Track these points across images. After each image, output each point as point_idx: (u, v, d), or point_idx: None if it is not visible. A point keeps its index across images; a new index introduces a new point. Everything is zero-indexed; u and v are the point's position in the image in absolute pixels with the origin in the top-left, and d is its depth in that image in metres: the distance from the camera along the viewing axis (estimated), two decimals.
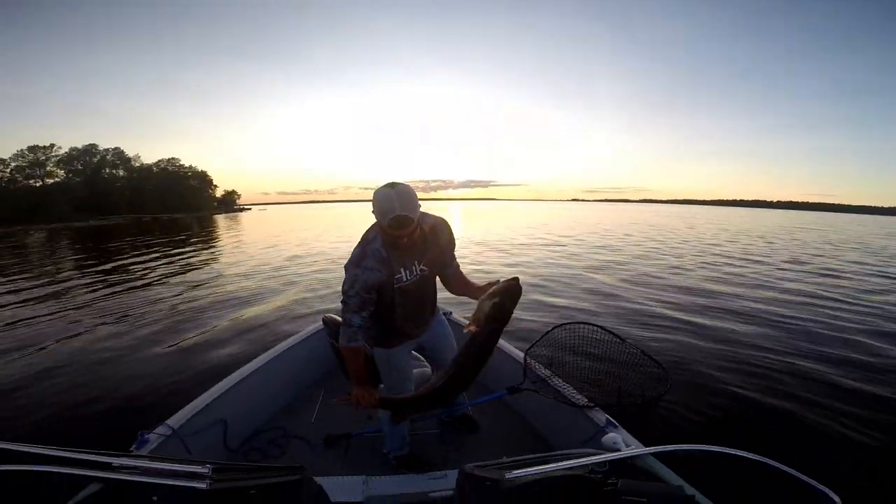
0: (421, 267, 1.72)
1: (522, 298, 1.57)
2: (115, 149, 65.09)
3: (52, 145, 58.31)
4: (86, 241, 22.63)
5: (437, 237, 1.75)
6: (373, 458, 2.29)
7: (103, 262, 13.72)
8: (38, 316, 6.88)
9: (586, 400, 2.19)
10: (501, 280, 1.56)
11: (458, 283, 1.87)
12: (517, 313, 1.62)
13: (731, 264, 12.32)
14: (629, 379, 2.18)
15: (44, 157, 56.55)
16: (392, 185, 1.48)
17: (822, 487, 1.03)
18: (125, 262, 13.63)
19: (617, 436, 1.77)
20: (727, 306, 7.27)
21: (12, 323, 6.48)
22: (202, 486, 0.88)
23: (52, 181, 55.97)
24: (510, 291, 1.50)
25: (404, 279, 1.67)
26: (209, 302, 7.70)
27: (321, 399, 2.95)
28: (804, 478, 1.06)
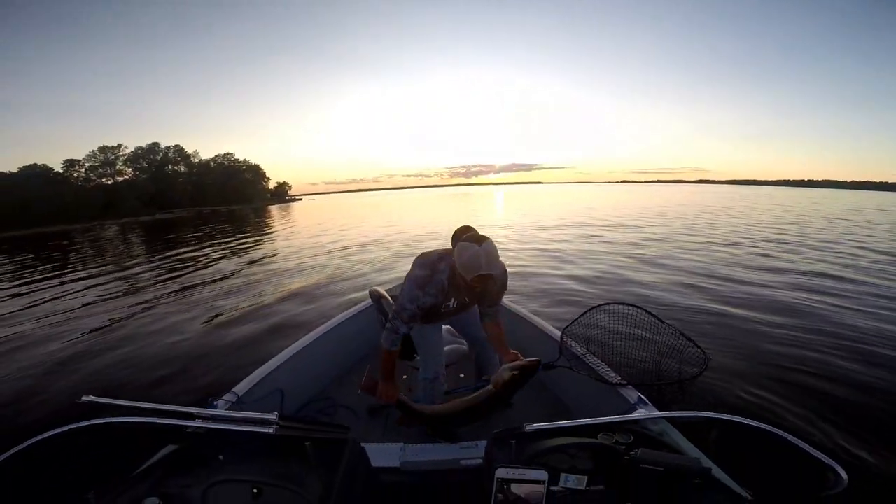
0: (467, 300, 1.92)
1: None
2: (176, 146, 69.35)
3: (120, 145, 62.84)
4: (155, 232, 24.86)
5: (494, 282, 1.83)
6: (410, 428, 2.39)
7: (175, 250, 15.22)
8: (122, 296, 7.81)
9: (619, 378, 2.19)
10: (522, 358, 1.82)
11: (491, 326, 2.02)
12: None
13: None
14: (666, 360, 2.18)
15: (113, 157, 61.16)
16: (479, 241, 1.59)
17: (831, 463, 1.03)
18: (194, 251, 14.84)
19: (645, 412, 1.78)
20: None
21: (103, 302, 7.44)
22: (270, 430, 1.00)
23: (121, 179, 60.53)
24: (527, 370, 1.76)
25: (451, 306, 1.91)
26: (267, 284, 8.39)
27: (367, 372, 3.13)
28: (814, 452, 1.06)
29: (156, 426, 1.15)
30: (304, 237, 17.43)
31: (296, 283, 8.22)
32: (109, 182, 58.82)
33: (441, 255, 1.81)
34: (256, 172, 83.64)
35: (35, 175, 46.20)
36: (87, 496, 0.98)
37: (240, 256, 12.99)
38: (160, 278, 9.80)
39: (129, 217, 46.27)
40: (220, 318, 6.13)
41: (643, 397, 2.01)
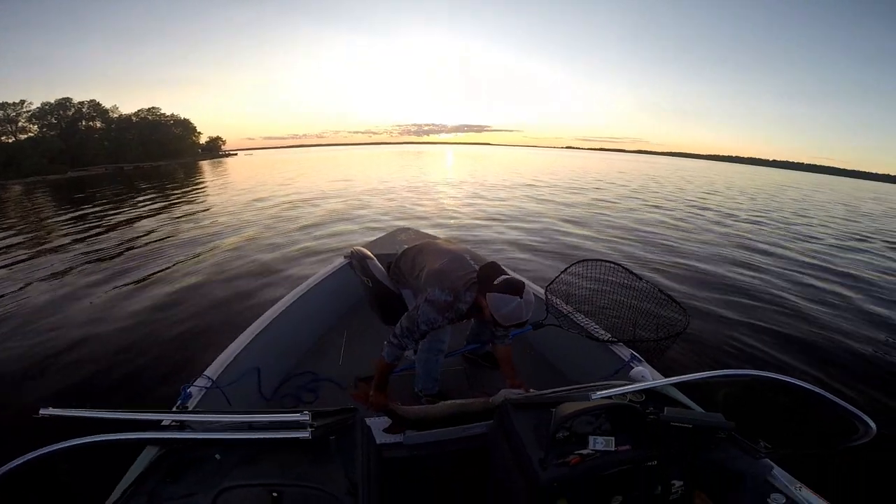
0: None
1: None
2: (91, 101, 63.92)
3: (23, 101, 56.51)
4: (64, 192, 22.01)
5: None
6: (403, 397, 2.31)
7: (88, 212, 13.50)
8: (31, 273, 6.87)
9: (609, 335, 2.23)
10: (526, 388, 1.82)
11: (501, 350, 2.01)
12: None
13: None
14: (646, 317, 2.23)
15: (14, 114, 55.27)
16: (517, 291, 1.56)
17: (859, 413, 1.03)
18: (113, 212, 13.36)
19: (644, 370, 1.80)
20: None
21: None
22: (306, 435, 0.87)
23: (25, 136, 54.58)
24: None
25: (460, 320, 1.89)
26: (204, 245, 7.90)
27: (346, 339, 3.00)
28: (841, 402, 1.05)
29: (150, 441, 0.98)
30: (240, 194, 16.68)
31: (235, 243, 7.95)
32: (10, 140, 53.11)
33: (467, 285, 1.71)
34: (186, 127, 79.44)
35: None
36: None
37: (167, 216, 12.11)
38: (78, 244, 8.79)
39: (34, 176, 41.04)
40: (165, 291, 5.59)
41: (636, 354, 2.05)
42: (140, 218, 11.81)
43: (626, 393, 1.32)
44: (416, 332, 1.71)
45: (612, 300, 2.41)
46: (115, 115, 67.30)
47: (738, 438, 1.23)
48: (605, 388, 1.31)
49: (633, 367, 1.91)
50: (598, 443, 1.17)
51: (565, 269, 2.54)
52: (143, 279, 6.10)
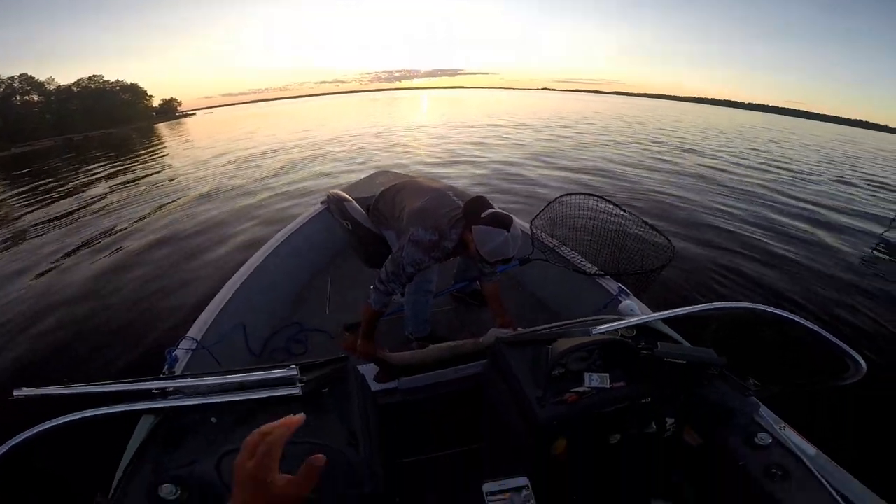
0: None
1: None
2: (22, 75, 60.70)
3: None
4: (10, 169, 20.43)
5: None
6: (394, 340, 2.32)
7: (37, 185, 12.65)
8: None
9: (596, 268, 2.21)
10: (516, 326, 1.78)
11: (489, 287, 1.97)
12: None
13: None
14: (631, 249, 2.20)
15: None
16: (505, 224, 1.50)
17: (851, 351, 0.99)
18: (62, 183, 12.53)
19: (632, 303, 1.76)
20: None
21: None
22: (296, 391, 0.82)
23: None
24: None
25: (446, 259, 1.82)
26: (183, 210, 7.45)
27: (330, 287, 2.93)
28: (834, 339, 1.02)
29: (143, 411, 0.94)
30: (197, 151, 16.39)
31: (203, 202, 7.65)
32: None
33: (452, 222, 1.62)
34: (135, 92, 77.49)
35: None
36: (96, 500, 0.81)
37: (121, 180, 11.58)
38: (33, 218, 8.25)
39: None
40: (128, 254, 5.37)
41: (623, 288, 2.03)
42: (92, 184, 11.33)
43: (618, 328, 1.31)
44: (402, 275, 1.64)
45: (597, 233, 2.36)
46: (53, 87, 64.43)
47: (728, 375, 1.23)
48: (599, 324, 1.29)
49: (621, 301, 1.89)
50: (594, 380, 1.15)
51: (549, 203, 2.48)
52: (104, 245, 5.82)
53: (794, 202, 7.85)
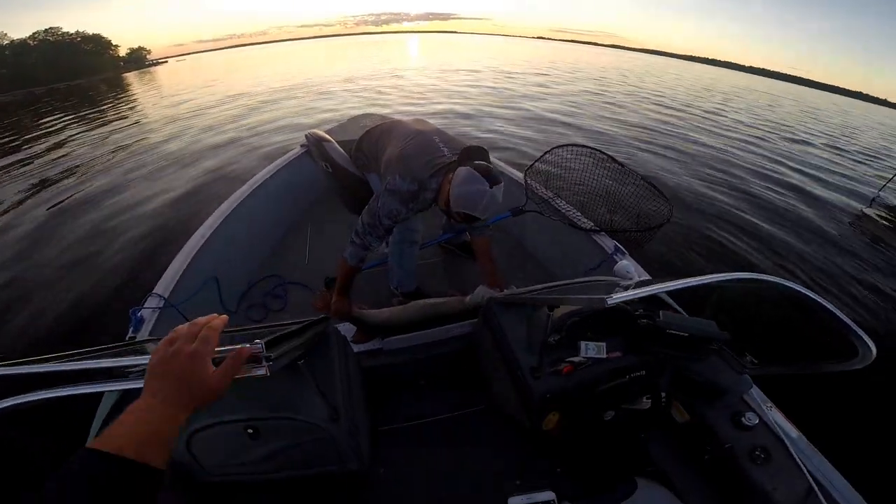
0: None
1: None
2: None
3: None
4: None
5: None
6: (379, 295, 2.19)
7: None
8: None
9: (591, 224, 2.08)
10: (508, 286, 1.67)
11: (479, 242, 1.78)
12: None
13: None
14: (628, 205, 2.08)
15: None
16: (490, 179, 1.31)
17: (863, 335, 0.90)
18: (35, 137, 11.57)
19: (628, 264, 1.67)
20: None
21: None
22: (262, 372, 0.69)
23: None
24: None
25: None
26: (152, 154, 7.06)
27: (310, 236, 2.75)
28: (847, 321, 0.91)
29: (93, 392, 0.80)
30: (165, 99, 15.55)
31: (172, 146, 7.27)
32: None
33: (433, 170, 1.44)
34: (98, 42, 75.27)
35: None
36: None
37: (86, 132, 10.74)
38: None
39: None
40: (88, 212, 4.88)
41: (619, 246, 1.92)
42: (50, 135, 10.63)
43: (628, 299, 1.22)
44: (379, 227, 1.49)
45: (593, 187, 2.20)
46: (7, 42, 62.87)
47: (727, 351, 1.16)
48: (598, 287, 1.21)
49: (616, 261, 1.80)
50: (590, 349, 1.07)
51: (545, 154, 2.30)
52: (61, 202, 5.35)
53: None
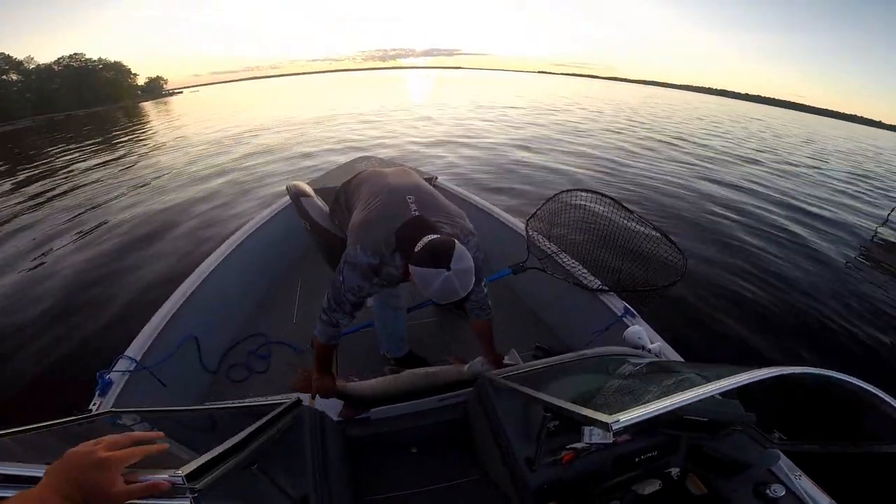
0: None
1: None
2: (1, 54, 59.09)
3: None
4: None
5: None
6: (368, 358, 2.08)
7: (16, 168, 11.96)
8: None
9: (599, 282, 1.95)
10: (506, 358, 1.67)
11: (478, 324, 1.57)
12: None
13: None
14: (637, 257, 1.96)
15: None
16: (444, 257, 1.03)
17: None
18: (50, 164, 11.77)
19: (640, 329, 1.52)
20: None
21: None
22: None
23: None
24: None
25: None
26: (139, 205, 6.76)
27: (299, 292, 2.64)
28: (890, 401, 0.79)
29: None
30: (174, 131, 15.94)
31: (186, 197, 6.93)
32: None
33: (393, 246, 1.22)
34: (119, 70, 76.78)
35: None
36: None
37: (94, 163, 10.94)
38: None
39: None
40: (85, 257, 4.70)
41: (629, 307, 1.79)
42: (58, 169, 10.67)
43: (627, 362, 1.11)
44: (344, 303, 1.31)
45: (599, 236, 2.11)
46: (33, 66, 63.89)
47: (753, 429, 1.04)
48: (605, 362, 1.09)
49: (627, 324, 1.66)
50: (595, 434, 0.94)
51: (548, 200, 2.22)
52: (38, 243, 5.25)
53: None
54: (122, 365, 1.53)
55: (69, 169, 10.34)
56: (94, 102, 62.41)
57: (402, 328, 1.93)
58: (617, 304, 1.83)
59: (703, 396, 0.75)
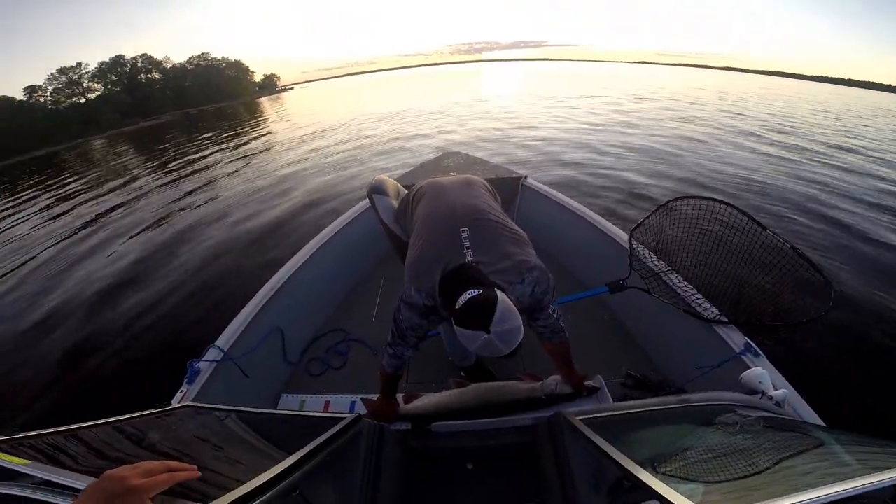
0: None
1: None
2: (144, 55, 68.65)
3: (80, 64, 61.16)
4: (140, 140, 23.40)
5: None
6: (439, 365, 2.01)
7: (162, 157, 14.06)
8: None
9: (717, 312, 1.63)
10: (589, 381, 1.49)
11: (551, 349, 1.42)
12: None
13: None
14: (769, 284, 1.59)
15: (76, 76, 59.65)
16: (484, 320, 0.93)
17: None
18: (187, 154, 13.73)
19: (763, 373, 1.23)
20: None
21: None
22: None
23: (93, 96, 59.64)
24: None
25: None
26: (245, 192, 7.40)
27: (381, 290, 2.65)
28: None
29: None
30: (293, 130, 16.52)
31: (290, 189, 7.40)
32: (82, 100, 58.44)
33: (443, 296, 1.11)
34: (239, 68, 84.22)
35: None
36: None
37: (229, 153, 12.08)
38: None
39: (112, 130, 45.03)
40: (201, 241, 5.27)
41: (752, 344, 1.48)
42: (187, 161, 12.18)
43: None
44: (408, 337, 1.27)
45: (720, 256, 1.74)
46: (169, 66, 72.10)
47: None
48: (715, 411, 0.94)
49: (747, 365, 1.38)
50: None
51: (658, 209, 1.91)
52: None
53: None
54: (210, 354, 1.63)
55: (218, 152, 11.93)
56: (219, 98, 69.87)
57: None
58: (736, 338, 1.53)
59: (857, 492, 0.52)
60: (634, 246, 1.89)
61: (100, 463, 0.77)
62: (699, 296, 1.71)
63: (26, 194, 11.71)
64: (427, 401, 1.51)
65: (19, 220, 8.50)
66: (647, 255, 1.87)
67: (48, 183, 13.05)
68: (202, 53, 77.64)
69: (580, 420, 1.01)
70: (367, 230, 2.76)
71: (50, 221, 7.81)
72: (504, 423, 1.33)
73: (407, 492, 1.08)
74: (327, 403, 1.78)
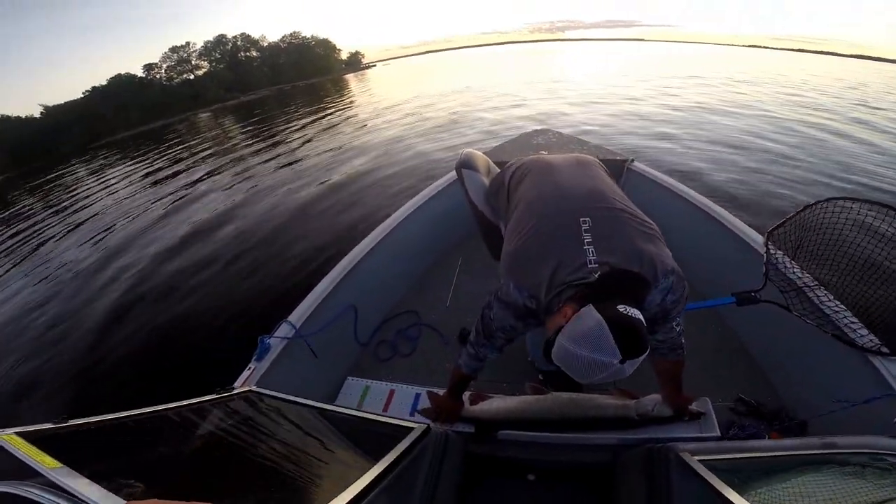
0: None
1: None
2: (243, 34, 75.37)
3: (189, 43, 68.91)
4: (242, 113, 25.50)
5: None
6: (515, 364, 1.83)
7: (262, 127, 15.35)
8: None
9: (876, 340, 1.30)
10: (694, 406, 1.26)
11: (661, 367, 1.22)
12: None
13: None
14: None
15: (185, 55, 67.37)
16: (627, 354, 0.75)
17: None
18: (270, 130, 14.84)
19: None
20: None
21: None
22: None
23: (201, 73, 67.50)
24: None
25: None
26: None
27: (457, 274, 2.51)
28: None
29: None
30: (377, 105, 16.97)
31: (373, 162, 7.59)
32: (191, 77, 65.96)
33: (559, 289, 0.92)
34: (326, 46, 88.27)
35: (123, 83, 53.34)
36: None
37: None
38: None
39: (216, 104, 49.91)
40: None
41: None
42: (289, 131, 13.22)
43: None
44: (495, 338, 1.12)
45: (880, 273, 1.41)
46: (265, 44, 78.32)
47: None
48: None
49: None
50: None
51: (802, 210, 1.56)
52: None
53: None
54: (282, 331, 1.59)
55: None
56: (310, 75, 74.06)
57: None
58: (892, 369, 1.23)
59: None
60: (772, 252, 1.55)
61: (148, 456, 0.74)
62: (853, 318, 1.37)
63: (171, 152, 13.96)
64: (497, 405, 1.37)
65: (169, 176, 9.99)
66: (787, 265, 1.53)
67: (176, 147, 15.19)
68: (293, 32, 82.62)
69: (698, 461, 0.81)
70: (448, 207, 2.61)
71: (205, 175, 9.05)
72: (581, 438, 1.22)
73: (460, 499, 0.99)
74: (392, 392, 1.70)
